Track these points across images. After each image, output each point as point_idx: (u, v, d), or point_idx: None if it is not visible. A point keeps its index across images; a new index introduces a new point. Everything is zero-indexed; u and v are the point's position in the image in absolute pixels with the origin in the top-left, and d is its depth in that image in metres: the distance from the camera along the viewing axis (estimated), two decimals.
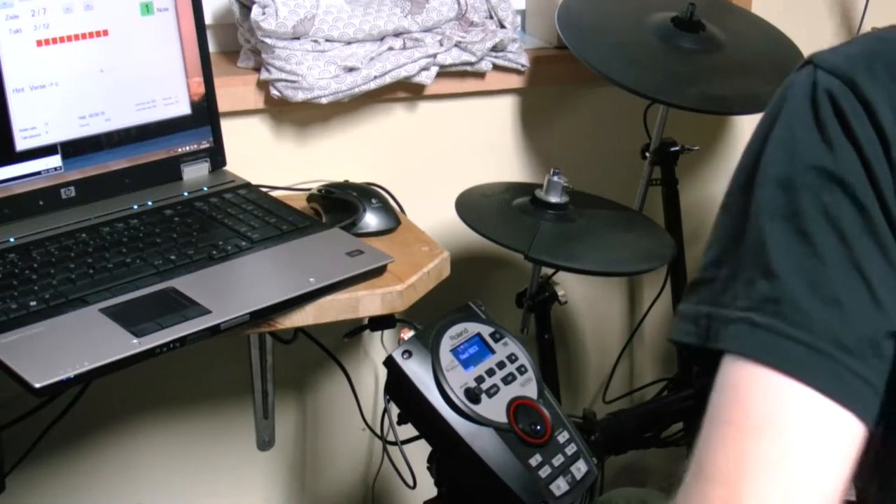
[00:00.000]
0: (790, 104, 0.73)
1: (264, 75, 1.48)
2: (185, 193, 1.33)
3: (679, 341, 0.73)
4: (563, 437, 1.18)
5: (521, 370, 1.20)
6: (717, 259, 0.74)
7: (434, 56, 1.55)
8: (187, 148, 1.36)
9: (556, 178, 1.43)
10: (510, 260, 1.74)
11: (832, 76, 0.71)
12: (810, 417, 0.66)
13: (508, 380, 1.18)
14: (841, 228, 0.68)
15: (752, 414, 0.67)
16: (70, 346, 1.01)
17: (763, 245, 0.70)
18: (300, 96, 1.46)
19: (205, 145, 1.38)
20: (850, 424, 0.67)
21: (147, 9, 1.31)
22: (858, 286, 0.68)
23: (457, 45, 1.57)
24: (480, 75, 1.63)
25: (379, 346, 1.75)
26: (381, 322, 1.33)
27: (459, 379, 1.15)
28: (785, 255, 0.69)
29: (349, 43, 1.50)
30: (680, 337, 0.73)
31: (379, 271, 1.21)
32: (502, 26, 1.62)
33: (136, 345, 1.02)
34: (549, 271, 1.55)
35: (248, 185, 1.37)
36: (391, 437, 1.20)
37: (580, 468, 1.17)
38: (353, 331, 1.45)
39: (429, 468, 1.26)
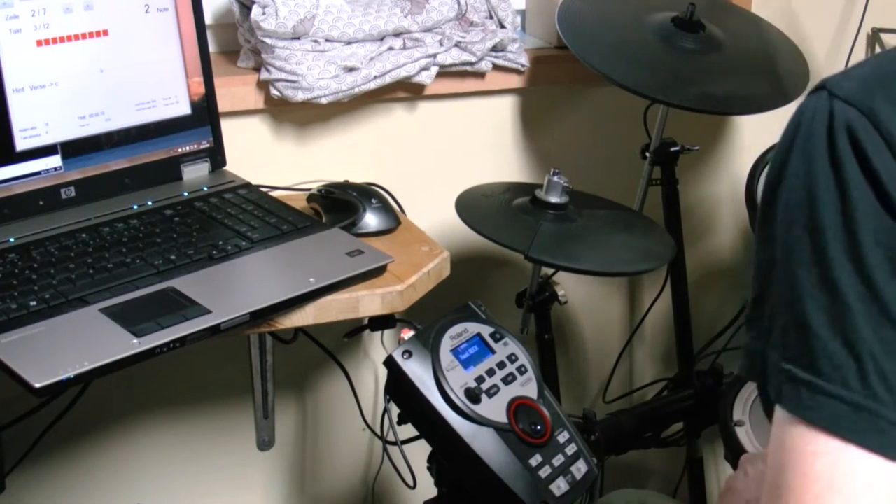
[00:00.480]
0: (805, 136, 0.71)
1: (264, 75, 1.48)
2: (185, 193, 1.33)
3: (745, 377, 0.75)
4: (563, 437, 1.18)
5: (522, 370, 1.20)
6: (758, 296, 0.74)
7: (434, 56, 1.55)
8: (187, 148, 1.36)
9: (556, 178, 1.43)
10: (510, 260, 1.74)
11: (849, 105, 0.69)
12: (868, 478, 0.66)
13: (508, 380, 1.18)
14: (867, 275, 0.67)
15: (816, 480, 0.67)
16: (70, 346, 1.01)
17: (795, 293, 0.69)
18: (300, 96, 1.46)
19: (205, 145, 1.38)
20: None
21: (147, 9, 1.31)
22: (891, 336, 0.67)
23: (457, 45, 1.57)
24: (480, 75, 1.63)
25: (379, 346, 1.75)
26: (381, 322, 1.33)
27: (459, 379, 1.15)
28: (816, 305, 0.68)
29: (349, 43, 1.50)
30: (743, 372, 0.74)
31: (379, 271, 1.21)
32: (502, 26, 1.62)
33: (136, 345, 1.02)
34: (549, 271, 1.55)
35: (248, 185, 1.37)
36: (391, 437, 1.20)
37: (580, 468, 1.17)
38: (353, 331, 1.45)
39: (429, 468, 1.26)
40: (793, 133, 0.72)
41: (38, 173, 1.25)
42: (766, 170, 0.75)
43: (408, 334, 1.18)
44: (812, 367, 0.68)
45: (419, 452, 1.23)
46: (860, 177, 0.67)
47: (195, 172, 1.37)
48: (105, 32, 1.28)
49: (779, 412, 0.70)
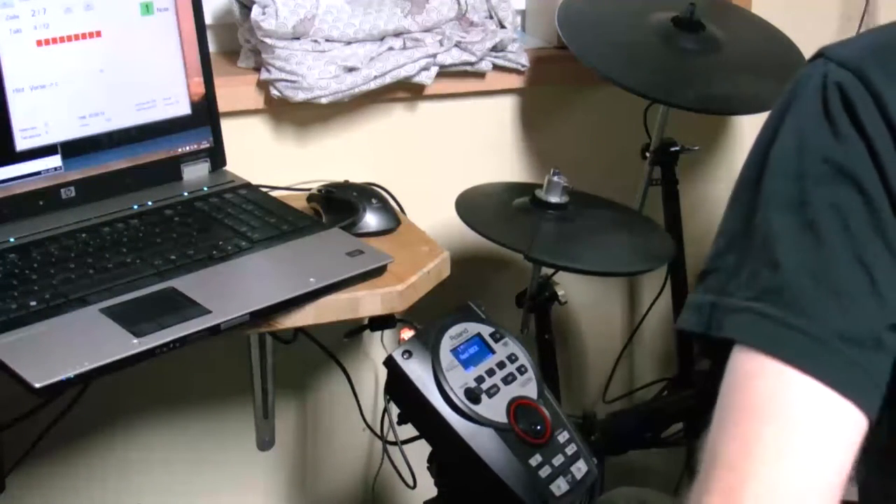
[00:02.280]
0: (800, 97, 0.73)
1: (264, 75, 1.48)
2: (186, 193, 1.33)
3: (684, 329, 0.74)
4: (563, 437, 1.18)
5: (521, 370, 1.20)
6: (724, 249, 0.74)
7: (434, 56, 1.55)
8: (187, 148, 1.36)
9: (556, 178, 1.43)
10: (510, 260, 1.74)
11: (842, 68, 0.71)
12: (813, 406, 0.67)
13: (508, 380, 1.18)
14: (847, 221, 0.68)
15: (758, 401, 0.68)
16: (70, 346, 1.01)
17: (769, 235, 0.70)
18: (300, 96, 1.46)
19: (205, 145, 1.38)
20: (851, 414, 0.67)
21: (147, 9, 1.31)
22: (862, 280, 0.68)
23: (457, 45, 1.57)
24: (480, 75, 1.63)
25: (379, 346, 1.75)
26: (381, 322, 1.33)
27: (459, 379, 1.15)
28: (791, 245, 0.69)
29: (349, 43, 1.50)
30: (684, 325, 0.74)
31: (379, 271, 1.21)
32: (502, 26, 1.62)
33: (136, 345, 1.02)
34: (549, 271, 1.55)
35: (248, 185, 1.37)
36: (391, 437, 1.20)
37: (580, 468, 1.17)
38: (353, 331, 1.45)
39: (429, 468, 1.26)
40: (789, 96, 0.74)
41: (39, 173, 1.25)
42: (758, 134, 0.76)
43: (408, 334, 1.18)
44: (779, 303, 0.69)
45: (419, 452, 1.23)
46: (852, 131, 0.69)
47: (195, 172, 1.37)
48: (105, 33, 1.27)
49: (735, 351, 0.70)
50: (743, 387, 0.69)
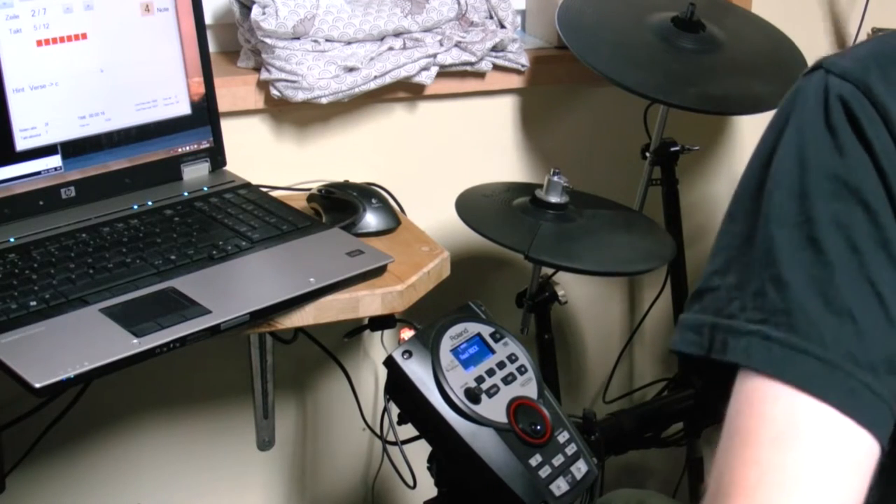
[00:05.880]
0: (800, 109, 0.71)
1: (264, 75, 1.48)
2: (185, 193, 1.33)
3: (681, 351, 0.72)
4: (563, 437, 1.18)
5: (522, 370, 1.20)
6: (723, 267, 0.72)
7: (434, 56, 1.55)
8: (187, 148, 1.36)
9: (556, 178, 1.43)
10: (510, 260, 1.74)
11: (844, 81, 0.69)
12: (825, 433, 0.65)
13: (508, 380, 1.18)
14: (853, 239, 0.67)
15: (769, 427, 0.66)
16: (70, 346, 1.01)
17: (773, 253, 0.68)
18: (300, 96, 1.46)
19: (205, 145, 1.38)
20: (864, 441, 0.66)
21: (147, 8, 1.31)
22: (871, 300, 0.67)
23: (457, 45, 1.57)
24: (480, 75, 1.63)
25: (379, 346, 1.75)
26: (381, 322, 1.33)
27: (459, 379, 1.15)
28: (796, 264, 0.67)
29: (349, 43, 1.50)
30: (682, 347, 0.72)
31: (379, 271, 1.21)
32: (502, 26, 1.62)
33: (136, 345, 1.02)
34: (549, 271, 1.55)
35: (248, 185, 1.37)
36: (391, 437, 1.20)
37: (580, 468, 1.17)
38: (353, 331, 1.45)
39: (429, 468, 1.26)
40: (788, 109, 0.72)
41: (39, 173, 1.25)
42: (755, 148, 0.75)
43: (408, 334, 1.18)
44: (787, 325, 0.67)
45: (419, 452, 1.23)
46: (857, 145, 0.67)
47: (195, 172, 1.37)
48: (105, 33, 1.27)
49: (741, 375, 0.68)
50: (754, 412, 0.67)
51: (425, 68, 1.55)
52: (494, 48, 1.61)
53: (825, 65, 0.71)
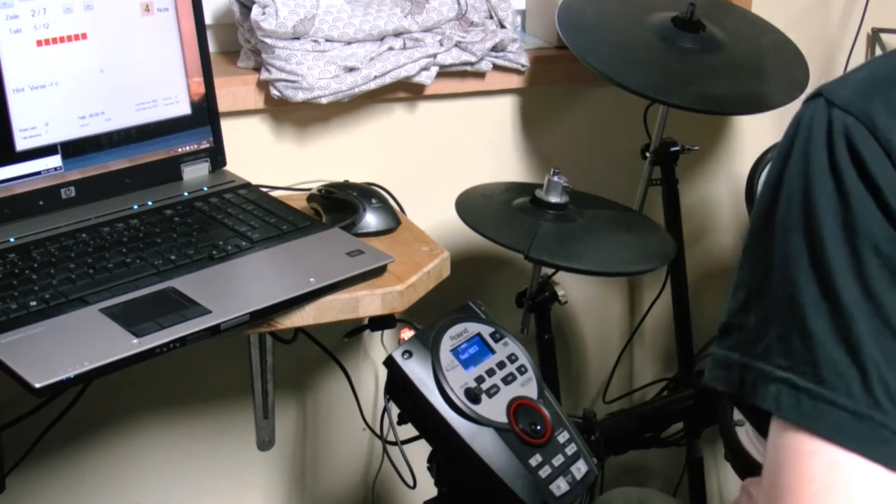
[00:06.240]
0: (802, 143, 0.70)
1: (264, 75, 1.48)
2: (186, 193, 1.33)
3: (714, 387, 0.73)
4: (563, 437, 1.18)
5: (522, 370, 1.20)
6: (744, 306, 0.73)
7: (434, 56, 1.55)
8: (187, 148, 1.36)
9: (556, 178, 1.43)
10: (510, 260, 1.74)
11: (847, 114, 0.68)
12: (869, 486, 0.66)
13: (508, 380, 1.18)
14: (868, 285, 0.67)
15: (814, 484, 0.67)
16: (70, 346, 1.01)
17: (795, 300, 0.69)
18: (300, 96, 1.46)
19: (205, 145, 1.38)
20: None
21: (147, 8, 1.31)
22: (892, 345, 0.67)
23: (457, 45, 1.57)
24: (480, 75, 1.63)
25: (379, 346, 1.75)
26: (381, 322, 1.33)
27: (459, 379, 1.15)
28: (818, 314, 0.68)
29: (349, 43, 1.50)
30: (715, 383, 0.73)
31: (379, 271, 1.21)
32: (502, 26, 1.62)
33: (136, 345, 1.02)
34: (549, 271, 1.55)
35: (248, 185, 1.37)
36: (391, 437, 1.20)
37: (580, 468, 1.17)
38: (353, 331, 1.45)
39: (429, 468, 1.26)
40: (790, 141, 0.72)
41: (39, 173, 1.25)
42: (763, 175, 0.74)
43: (408, 334, 1.18)
44: (814, 375, 0.67)
45: (419, 452, 1.23)
46: (860, 186, 0.67)
47: (195, 172, 1.37)
48: (105, 33, 1.27)
49: (776, 423, 0.69)
50: (795, 468, 0.67)
51: (425, 68, 1.55)
52: (494, 48, 1.61)
53: (825, 94, 0.70)
